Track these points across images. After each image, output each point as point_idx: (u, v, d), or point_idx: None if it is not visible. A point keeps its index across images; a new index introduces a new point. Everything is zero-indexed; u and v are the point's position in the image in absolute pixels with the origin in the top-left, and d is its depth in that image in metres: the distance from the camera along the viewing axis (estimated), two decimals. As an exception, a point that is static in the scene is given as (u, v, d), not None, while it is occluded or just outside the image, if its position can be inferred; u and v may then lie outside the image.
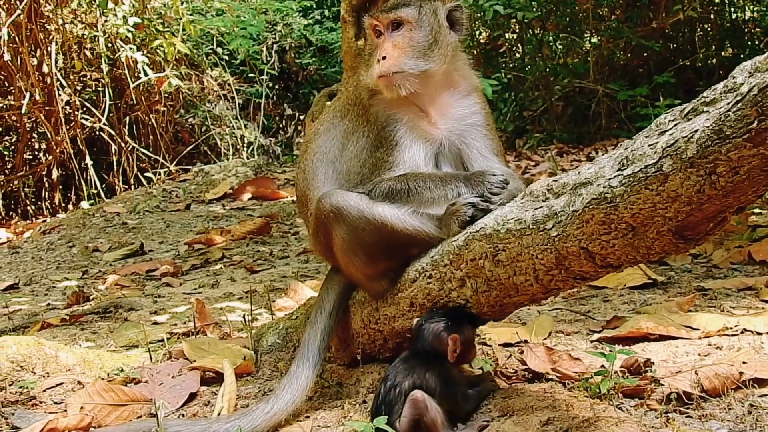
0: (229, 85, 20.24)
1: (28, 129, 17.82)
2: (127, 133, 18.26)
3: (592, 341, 5.74)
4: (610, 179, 3.79)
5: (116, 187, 17.90)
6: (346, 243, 4.82)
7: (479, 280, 4.46)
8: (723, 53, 18.08)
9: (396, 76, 4.86)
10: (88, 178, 17.47)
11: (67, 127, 17.31)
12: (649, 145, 3.67)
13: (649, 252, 3.86)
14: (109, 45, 17.66)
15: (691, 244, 3.84)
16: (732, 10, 18.33)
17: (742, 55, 17.35)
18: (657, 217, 3.68)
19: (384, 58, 4.92)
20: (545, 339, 5.87)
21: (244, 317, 6.42)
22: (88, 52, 18.20)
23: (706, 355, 5.24)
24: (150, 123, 18.59)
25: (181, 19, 17.91)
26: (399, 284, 4.87)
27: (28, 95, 16.48)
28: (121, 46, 17.14)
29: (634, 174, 3.68)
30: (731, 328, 5.62)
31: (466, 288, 4.54)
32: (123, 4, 16.81)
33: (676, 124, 3.62)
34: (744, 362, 4.84)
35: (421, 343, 4.57)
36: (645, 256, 3.91)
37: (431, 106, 4.97)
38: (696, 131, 3.49)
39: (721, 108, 3.44)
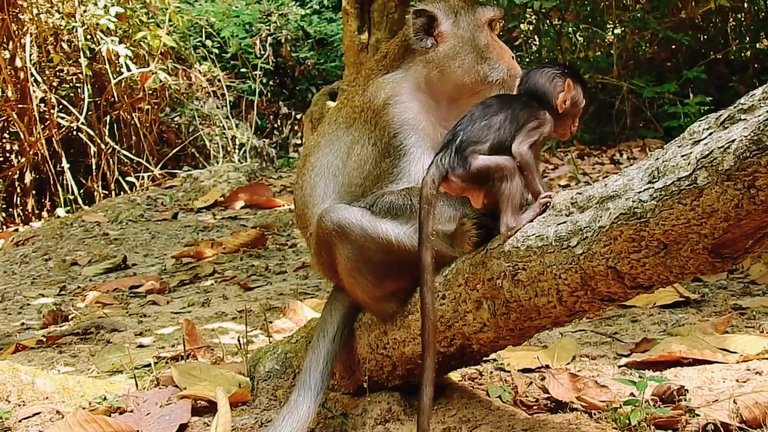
0: (219, 80, 20.27)
1: (-2, 129, 17.87)
2: (107, 133, 18.30)
3: (619, 366, 5.74)
4: (639, 192, 3.80)
5: (95, 194, 17.92)
6: (350, 262, 4.83)
7: (497, 302, 4.46)
8: (758, 45, 18.07)
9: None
10: (65, 182, 17.51)
11: (42, 127, 17.35)
12: (682, 156, 3.67)
13: (683, 271, 3.86)
14: (89, 37, 17.71)
15: (729, 263, 3.84)
16: (768, -2, 18.35)
17: (778, 48, 17.38)
18: (691, 234, 3.69)
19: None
20: (569, 364, 5.87)
21: (238, 340, 6.43)
22: (65, 45, 18.24)
23: (744, 382, 5.24)
24: (133, 122, 18.62)
25: (167, 9, 17.94)
26: (409, 306, 4.87)
27: (-1, 92, 16.53)
28: (102, 39, 17.20)
29: (666, 187, 3.68)
30: (772, 351, 5.63)
31: (483, 310, 4.54)
32: (104, -8, 16.85)
33: (711, 133, 3.62)
34: (787, 389, 4.85)
35: (528, 86, 4.62)
36: (678, 276, 3.91)
37: (455, 119, 4.98)
38: (733, 141, 3.49)
39: (760, 116, 3.44)
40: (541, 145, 4.59)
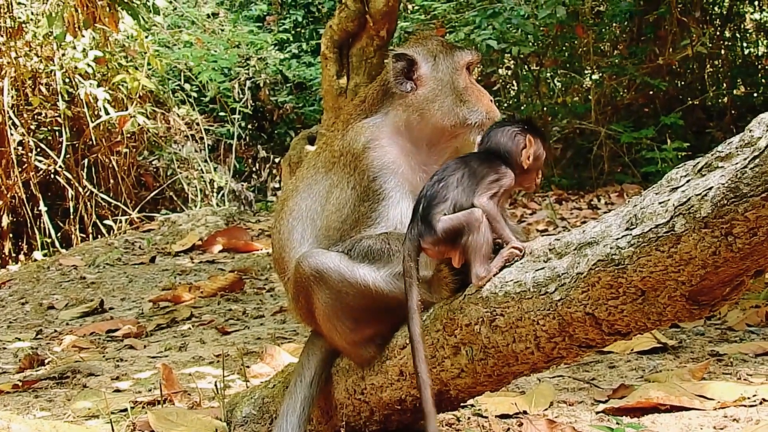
0: (197, 124, 20.29)
1: (-25, 172, 17.81)
2: (85, 176, 18.27)
3: (597, 413, 5.74)
4: (617, 239, 3.82)
5: (73, 237, 17.86)
6: (328, 308, 4.83)
7: (475, 347, 4.46)
8: (735, 92, 18.24)
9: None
10: (42, 225, 17.45)
11: (20, 170, 17.30)
12: (659, 203, 3.70)
13: (661, 318, 3.88)
14: (67, 80, 17.70)
15: (706, 310, 3.86)
16: (744, 45, 18.54)
17: (755, 94, 17.52)
18: (669, 281, 3.71)
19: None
20: (546, 410, 5.86)
21: (215, 384, 6.40)
22: (43, 88, 18.21)
23: (722, 429, 5.24)
24: (111, 166, 18.60)
25: (145, 52, 17.97)
26: (387, 351, 4.88)
27: (-24, 135, 16.50)
28: (80, 82, 17.20)
29: (644, 234, 3.70)
30: (749, 398, 5.63)
31: (461, 356, 4.54)
32: (83, 36, 16.84)
33: (688, 180, 3.64)
34: (764, 436, 4.85)
35: (490, 145, 4.68)
36: (656, 323, 3.93)
37: (435, 163, 5.00)
38: (710, 188, 3.51)
39: (737, 164, 3.47)
40: (506, 197, 4.63)
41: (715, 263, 3.58)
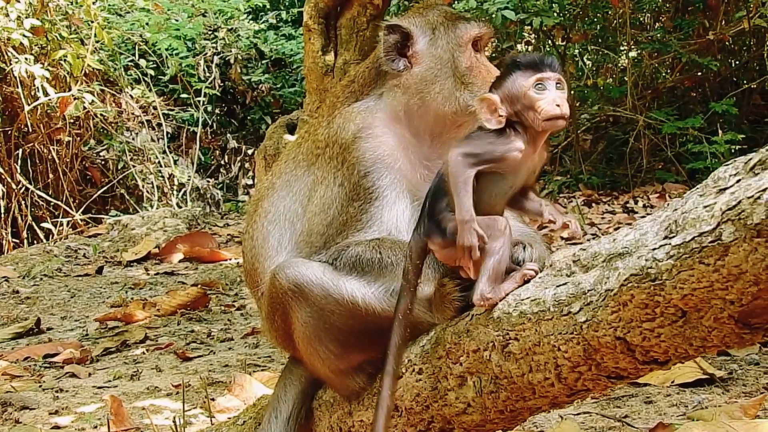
0: (154, 108, 20.25)
1: None
2: (19, 170, 18.24)
3: (630, 456, 5.78)
4: (654, 250, 3.82)
5: (4, 243, 17.84)
6: (309, 329, 4.84)
7: (484, 378, 4.47)
8: (800, 74, 18.25)
9: None
10: (-33, 229, 17.46)
11: (-60, 162, 17.33)
12: (704, 207, 3.69)
13: (705, 344, 3.88)
14: (-2, 55, 17.71)
15: (759, 335, 3.86)
16: (813, 17, 18.54)
17: (824, 77, 17.51)
18: (715, 299, 3.71)
19: None
20: (569, 453, 5.90)
21: (174, 420, 6.44)
22: (-31, 64, 18.23)
23: (778, 476, 5.28)
24: (50, 157, 18.58)
25: (92, 21, 17.95)
26: (379, 381, 4.88)
27: None
28: (14, 57, 17.17)
29: (686, 244, 3.70)
30: (811, 440, 5.67)
31: (467, 387, 4.56)
32: (18, 1, 16.85)
33: (739, 180, 3.64)
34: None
35: None
36: (699, 350, 3.93)
37: (439, 158, 5.01)
38: (765, 190, 3.51)
39: (797, 161, 3.49)
40: (516, 173, 4.48)
41: (770, 279, 3.59)
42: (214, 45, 21.94)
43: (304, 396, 5.22)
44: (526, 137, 4.40)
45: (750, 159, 3.64)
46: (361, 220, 4.92)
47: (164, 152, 20.06)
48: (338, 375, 4.96)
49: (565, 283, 4.14)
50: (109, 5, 20.48)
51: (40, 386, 8.94)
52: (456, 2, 16.13)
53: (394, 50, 5.11)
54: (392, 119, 5.07)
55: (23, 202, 18.08)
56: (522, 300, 4.27)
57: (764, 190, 3.50)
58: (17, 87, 17.54)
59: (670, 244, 3.75)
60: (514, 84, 4.39)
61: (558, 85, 4.39)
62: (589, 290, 4.02)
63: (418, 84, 5.07)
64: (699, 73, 17.85)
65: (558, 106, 4.32)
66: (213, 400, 7.39)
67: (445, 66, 5.07)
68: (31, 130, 18.27)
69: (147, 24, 20.20)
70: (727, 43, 17.73)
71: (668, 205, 3.90)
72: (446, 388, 4.62)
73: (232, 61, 22.16)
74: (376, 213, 4.91)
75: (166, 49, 20.15)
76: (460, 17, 5.22)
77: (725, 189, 3.65)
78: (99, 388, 8.72)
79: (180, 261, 14.43)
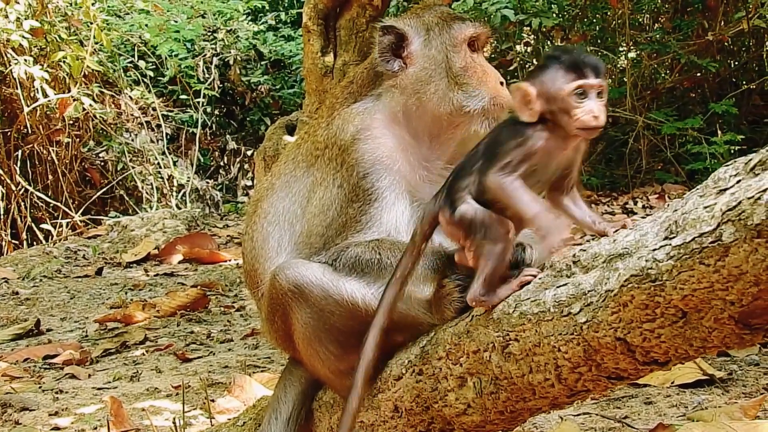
0: (154, 109, 20.26)
1: None
2: (18, 171, 18.22)
3: (630, 457, 5.78)
4: (654, 250, 3.81)
5: (4, 244, 17.83)
6: (309, 329, 4.84)
7: (484, 379, 4.47)
8: (800, 74, 18.24)
9: None
10: (-34, 231, 17.45)
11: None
12: (704, 207, 3.69)
13: (705, 345, 3.87)
14: (-3, 56, 17.70)
15: (759, 336, 3.86)
16: (812, 18, 18.54)
17: (825, 77, 17.50)
18: (715, 300, 3.70)
19: None
20: (569, 454, 5.90)
21: (173, 421, 6.43)
22: (-32, 66, 18.22)
23: (778, 477, 5.28)
24: (49, 158, 18.57)
25: (92, 22, 17.94)
26: (380, 382, 4.88)
27: None
28: (14, 58, 17.16)
29: (686, 244, 3.70)
30: (811, 441, 5.67)
31: (467, 388, 4.55)
32: (17, 2, 16.83)
33: (739, 181, 3.63)
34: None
35: None
36: (699, 350, 3.93)
37: (438, 159, 5.01)
38: (765, 191, 3.50)
39: (797, 161, 3.49)
40: (552, 164, 4.47)
41: (770, 279, 3.59)
42: (214, 46, 21.92)
43: (304, 397, 5.22)
44: (555, 133, 4.38)
45: (750, 159, 3.64)
46: (361, 221, 4.92)
47: (163, 153, 20.05)
48: (338, 376, 4.96)
49: (565, 284, 4.14)
50: (109, 6, 20.47)
51: (40, 387, 8.93)
52: (455, 1, 16.10)
53: (389, 51, 5.11)
54: (391, 120, 5.07)
55: (23, 204, 18.06)
56: (522, 301, 4.26)
57: (764, 190, 3.49)
58: (16, 88, 17.52)
59: (670, 244, 3.75)
60: (554, 84, 4.32)
61: (599, 94, 4.34)
62: (589, 291, 4.02)
63: (413, 84, 5.07)
64: (698, 74, 17.84)
65: (596, 117, 4.29)
66: (213, 401, 7.38)
67: (439, 66, 5.07)
68: (30, 132, 18.26)
69: (146, 25, 20.19)
70: (726, 43, 17.72)
71: (668, 205, 3.89)
72: (446, 389, 4.62)
73: (231, 62, 22.14)
74: (376, 214, 4.91)
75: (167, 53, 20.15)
76: (456, 17, 5.22)
77: (725, 189, 3.65)
78: (99, 389, 8.72)
79: (179, 262, 14.43)
